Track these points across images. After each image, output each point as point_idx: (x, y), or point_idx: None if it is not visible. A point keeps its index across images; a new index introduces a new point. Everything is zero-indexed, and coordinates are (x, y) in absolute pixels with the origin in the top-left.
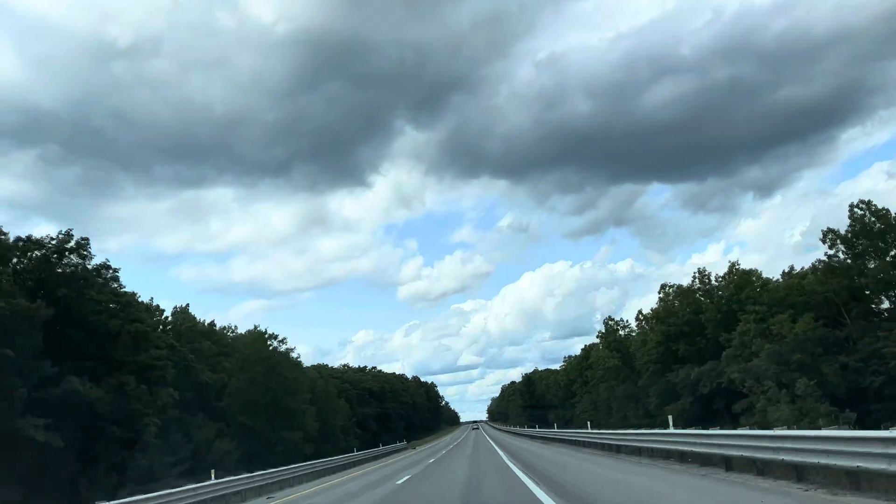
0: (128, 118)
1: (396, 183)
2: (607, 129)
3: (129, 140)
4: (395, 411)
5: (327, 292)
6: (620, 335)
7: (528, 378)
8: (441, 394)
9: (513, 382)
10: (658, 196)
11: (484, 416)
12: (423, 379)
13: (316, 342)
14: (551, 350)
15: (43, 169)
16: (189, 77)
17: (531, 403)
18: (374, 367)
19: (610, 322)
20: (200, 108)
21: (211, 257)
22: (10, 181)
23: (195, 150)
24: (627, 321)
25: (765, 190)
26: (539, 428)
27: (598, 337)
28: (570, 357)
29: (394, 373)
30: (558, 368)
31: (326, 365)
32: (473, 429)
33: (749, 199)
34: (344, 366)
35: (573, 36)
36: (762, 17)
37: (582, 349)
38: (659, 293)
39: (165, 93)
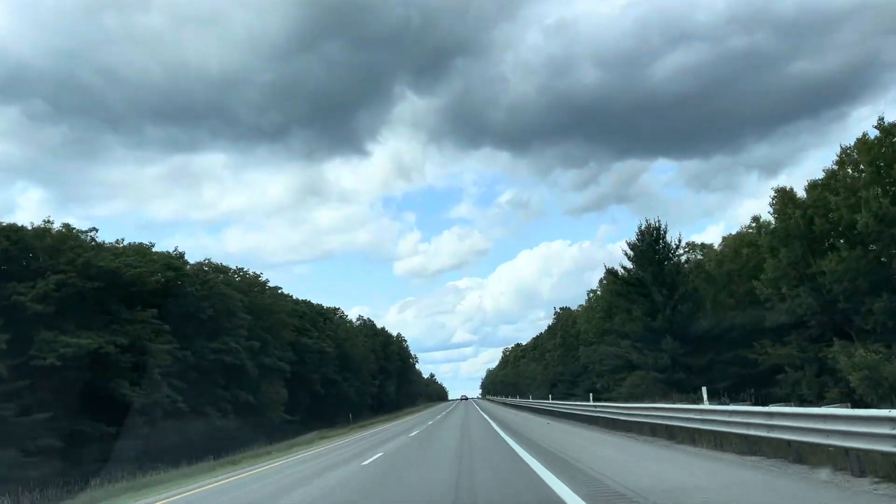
0: (117, 75)
1: (396, 152)
2: (614, 101)
3: (118, 99)
4: (274, 364)
5: (322, 266)
6: None
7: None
8: (433, 370)
9: (518, 345)
10: (663, 173)
11: (477, 393)
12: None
13: None
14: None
15: (28, 127)
16: (181, 33)
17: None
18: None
19: None
20: (194, 67)
21: (204, 226)
22: None
23: (188, 112)
24: None
25: (770, 169)
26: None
27: None
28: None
29: (291, 296)
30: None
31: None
32: (463, 399)
33: (754, 178)
34: (120, 241)
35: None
36: None
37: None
38: None
39: (156, 49)
